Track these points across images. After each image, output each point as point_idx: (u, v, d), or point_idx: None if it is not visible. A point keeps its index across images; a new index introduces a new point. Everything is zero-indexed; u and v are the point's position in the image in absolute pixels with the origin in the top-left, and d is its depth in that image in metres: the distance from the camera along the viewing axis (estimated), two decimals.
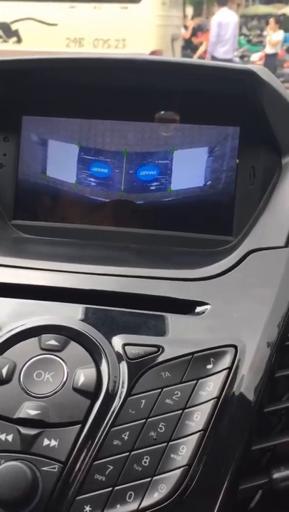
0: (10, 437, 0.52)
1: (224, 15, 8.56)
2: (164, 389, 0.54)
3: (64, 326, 0.58)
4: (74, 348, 0.57)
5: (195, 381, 0.55)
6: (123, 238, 0.81)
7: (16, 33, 7.63)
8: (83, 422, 0.52)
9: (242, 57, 12.21)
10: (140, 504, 0.50)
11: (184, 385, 0.54)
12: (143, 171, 0.82)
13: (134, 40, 7.14)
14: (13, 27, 7.60)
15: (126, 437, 0.52)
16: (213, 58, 8.13)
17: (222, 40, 8.43)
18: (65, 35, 7.38)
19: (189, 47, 11.30)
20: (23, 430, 0.52)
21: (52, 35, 7.29)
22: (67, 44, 7.40)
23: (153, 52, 6.89)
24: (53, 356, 0.56)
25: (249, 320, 0.59)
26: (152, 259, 0.76)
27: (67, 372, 0.55)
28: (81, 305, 0.62)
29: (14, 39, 7.64)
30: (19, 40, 7.62)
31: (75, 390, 0.54)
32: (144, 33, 7.13)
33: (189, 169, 0.81)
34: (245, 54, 12.67)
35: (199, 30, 12.57)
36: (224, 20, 8.43)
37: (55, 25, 7.41)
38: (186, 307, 0.61)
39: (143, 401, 0.54)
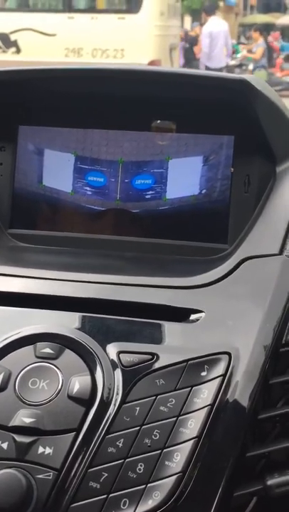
0: (5, 445, 0.52)
1: (214, 24, 8.59)
2: (159, 396, 0.54)
3: (59, 334, 0.58)
4: (69, 355, 0.57)
5: (189, 388, 0.55)
6: (119, 246, 0.81)
7: (14, 44, 7.66)
8: (78, 430, 0.53)
9: (240, 65, 12.24)
10: (135, 511, 0.50)
11: (178, 393, 0.55)
12: (138, 180, 0.82)
13: (132, 50, 7.17)
14: (12, 37, 7.64)
15: (120, 444, 0.52)
16: (207, 68, 8.17)
17: (214, 50, 8.47)
18: (64, 46, 7.42)
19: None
20: (18, 438, 0.52)
21: (51, 46, 7.33)
22: (66, 54, 7.44)
23: (151, 62, 6.92)
24: (48, 364, 0.56)
25: (243, 327, 0.59)
26: (147, 268, 0.76)
27: (62, 380, 0.55)
28: (76, 313, 0.62)
29: (13, 49, 7.68)
30: (18, 51, 7.66)
31: (70, 397, 0.54)
32: (143, 43, 7.17)
33: (184, 178, 0.81)
34: (244, 63, 12.70)
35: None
36: (215, 29, 8.46)
37: (54, 35, 7.45)
38: (181, 315, 0.62)
39: (137, 408, 0.54)
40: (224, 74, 0.79)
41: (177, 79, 0.79)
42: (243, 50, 12.49)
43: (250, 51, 11.57)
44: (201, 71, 0.91)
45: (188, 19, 19.79)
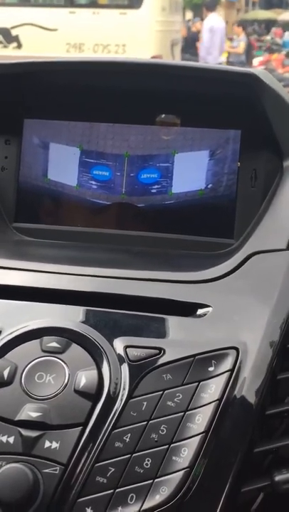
0: (11, 439, 0.52)
1: (214, 20, 8.66)
2: (166, 391, 0.54)
3: (65, 328, 0.58)
4: (75, 350, 0.57)
5: (196, 383, 0.54)
6: (124, 241, 0.81)
7: (16, 39, 7.65)
8: (85, 424, 0.52)
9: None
10: (142, 506, 0.50)
11: (185, 387, 0.54)
12: (144, 174, 0.82)
13: (134, 45, 7.17)
14: (13, 32, 7.62)
15: (127, 439, 0.52)
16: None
17: (213, 45, 8.53)
18: (65, 41, 7.41)
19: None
20: (25, 432, 0.52)
21: (52, 41, 7.32)
22: (67, 49, 7.43)
23: (153, 58, 6.91)
24: (54, 358, 0.56)
25: (251, 322, 0.59)
26: (154, 262, 0.76)
27: (69, 374, 0.55)
28: (82, 307, 0.62)
29: (14, 44, 7.66)
30: (19, 46, 7.64)
31: (77, 392, 0.54)
32: (144, 39, 7.17)
33: (190, 172, 0.81)
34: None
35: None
36: (215, 25, 8.53)
37: (55, 30, 7.44)
38: (188, 309, 0.61)
39: (144, 403, 0.54)
40: (231, 67, 0.78)
41: (183, 72, 0.78)
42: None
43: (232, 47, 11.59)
44: (208, 64, 0.90)
45: (189, 14, 19.77)
